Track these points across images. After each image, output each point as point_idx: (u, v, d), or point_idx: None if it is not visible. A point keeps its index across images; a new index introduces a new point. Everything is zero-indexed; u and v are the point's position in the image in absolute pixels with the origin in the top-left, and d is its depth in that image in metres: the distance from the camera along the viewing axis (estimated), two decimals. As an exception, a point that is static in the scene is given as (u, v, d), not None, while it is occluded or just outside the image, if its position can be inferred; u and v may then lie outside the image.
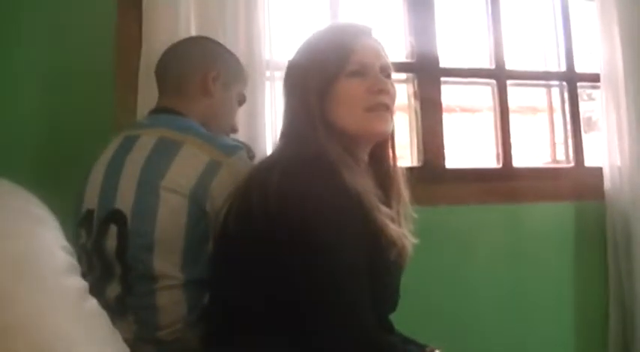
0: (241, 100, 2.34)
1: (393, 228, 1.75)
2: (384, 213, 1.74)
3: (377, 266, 1.69)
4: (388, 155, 2.02)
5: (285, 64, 2.02)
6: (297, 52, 1.94)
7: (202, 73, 2.16)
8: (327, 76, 1.81)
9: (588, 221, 3.19)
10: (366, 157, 1.93)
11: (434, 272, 2.80)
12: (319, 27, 2.05)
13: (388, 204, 1.84)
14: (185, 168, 1.91)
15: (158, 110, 2.15)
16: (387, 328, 1.90)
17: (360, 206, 1.68)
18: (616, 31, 3.17)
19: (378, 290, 1.68)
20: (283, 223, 1.58)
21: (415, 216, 1.94)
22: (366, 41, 1.89)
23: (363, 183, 1.73)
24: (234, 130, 2.33)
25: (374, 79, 1.84)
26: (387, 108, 1.86)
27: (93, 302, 1.29)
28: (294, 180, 1.62)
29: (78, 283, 1.26)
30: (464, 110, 5.23)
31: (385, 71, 1.90)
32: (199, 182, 1.89)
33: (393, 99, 1.89)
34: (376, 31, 1.94)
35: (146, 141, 1.99)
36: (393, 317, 1.90)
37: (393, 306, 1.85)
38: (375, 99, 1.83)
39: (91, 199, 2.02)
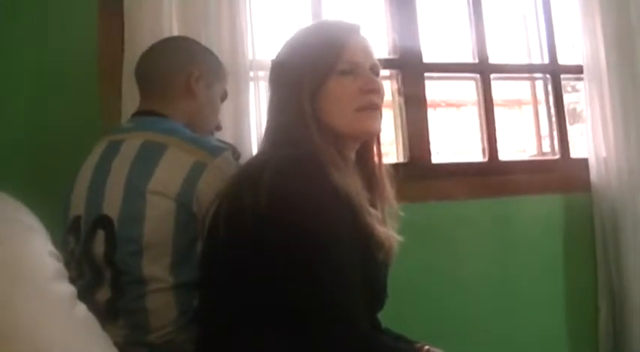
0: (223, 97, 2.34)
1: (380, 230, 1.76)
2: (371, 215, 1.75)
3: (366, 266, 1.70)
4: (373, 152, 2.02)
5: (269, 63, 2.02)
6: (285, 51, 1.94)
7: (184, 74, 2.16)
8: (319, 75, 1.81)
9: (575, 212, 3.20)
10: (353, 156, 1.93)
11: (423, 268, 2.80)
12: (307, 24, 2.04)
13: (373, 203, 1.85)
14: (171, 171, 1.90)
15: (141, 113, 2.15)
16: (375, 326, 1.91)
17: (349, 207, 1.68)
18: (598, 22, 3.18)
19: (367, 290, 1.69)
20: (275, 223, 1.57)
21: (401, 214, 1.94)
22: (355, 39, 1.89)
23: (353, 184, 1.73)
24: (219, 128, 2.33)
25: (365, 79, 1.84)
26: (377, 108, 1.86)
27: (82, 308, 1.28)
28: (286, 180, 1.61)
29: (67, 289, 1.26)
30: (449, 105, 5.25)
31: (374, 70, 1.90)
32: (185, 184, 1.88)
33: (382, 98, 1.89)
34: (364, 29, 1.93)
35: (131, 146, 1.98)
36: (383, 315, 1.90)
37: (381, 305, 1.86)
38: (367, 98, 1.83)
39: (78, 206, 2.02)
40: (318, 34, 1.92)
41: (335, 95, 1.81)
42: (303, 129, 1.77)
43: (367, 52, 1.90)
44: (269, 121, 1.91)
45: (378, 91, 1.86)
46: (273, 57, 1.96)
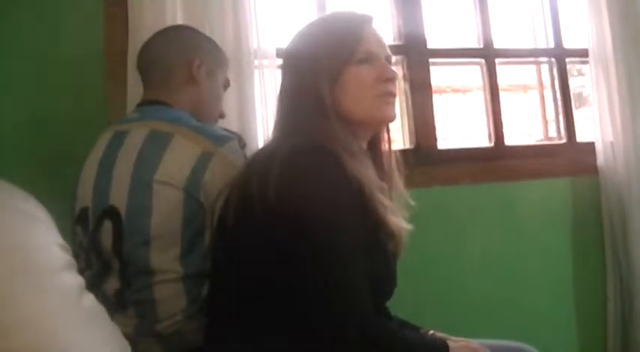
0: (226, 85, 2.34)
1: (392, 220, 1.76)
2: (384, 205, 1.75)
3: (375, 256, 1.70)
4: (383, 140, 2.03)
5: (274, 52, 2.03)
6: (301, 40, 1.94)
7: (186, 62, 2.16)
8: (337, 64, 1.82)
9: (583, 196, 3.19)
10: (365, 144, 1.95)
11: (431, 253, 2.81)
12: (321, 14, 2.05)
13: (385, 192, 1.85)
14: (177, 160, 1.91)
15: (146, 102, 2.15)
16: (384, 315, 1.91)
17: (361, 197, 1.68)
18: (604, 5, 3.16)
19: (376, 279, 1.69)
20: (284, 213, 1.57)
21: (412, 202, 1.94)
22: (370, 30, 1.91)
23: (366, 173, 1.74)
24: (223, 116, 2.34)
25: (383, 68, 1.86)
26: (394, 95, 1.89)
27: (90, 298, 1.28)
28: (296, 170, 1.63)
29: (75, 280, 1.26)
30: (455, 90, 5.24)
31: (388, 60, 1.93)
32: (192, 173, 1.89)
33: (396, 86, 1.92)
34: (376, 19, 1.95)
35: (136, 136, 1.99)
36: (391, 301, 1.90)
37: (389, 294, 1.86)
38: (384, 87, 1.86)
39: (85, 197, 2.02)
40: (334, 24, 1.94)
41: (353, 83, 1.83)
42: (321, 118, 1.78)
43: (382, 43, 1.92)
44: (281, 109, 1.91)
45: (394, 80, 1.89)
46: (286, 45, 1.97)
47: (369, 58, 1.85)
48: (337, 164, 1.66)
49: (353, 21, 1.91)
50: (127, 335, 1.39)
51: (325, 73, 1.81)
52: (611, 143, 3.14)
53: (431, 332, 1.99)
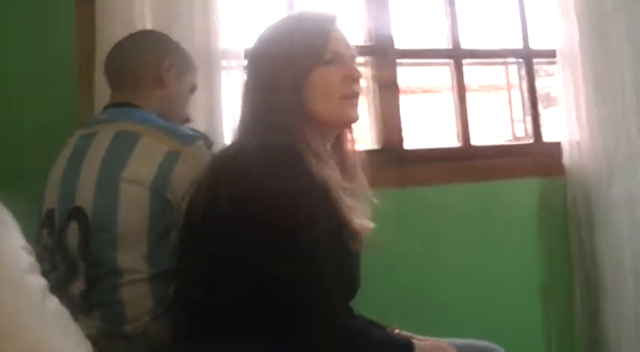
0: (193, 89, 2.35)
1: (357, 221, 1.77)
2: (348, 205, 1.76)
3: (340, 255, 1.71)
4: (347, 140, 2.04)
5: (242, 52, 2.03)
6: (268, 39, 1.94)
7: (155, 65, 2.16)
8: (305, 64, 1.83)
9: (549, 195, 3.21)
10: (329, 144, 1.95)
11: (398, 254, 2.80)
12: (287, 14, 2.05)
13: (349, 192, 1.85)
14: (145, 159, 1.91)
15: (113, 104, 2.14)
16: (350, 314, 1.92)
17: (325, 197, 1.70)
18: (571, 6, 3.18)
19: (341, 278, 1.71)
20: (251, 212, 1.58)
21: (375, 201, 1.95)
22: (337, 30, 1.92)
23: (331, 174, 1.75)
24: (188, 120, 2.33)
25: (349, 68, 1.88)
26: (359, 96, 1.92)
27: (54, 301, 1.28)
28: (262, 168, 1.63)
29: (39, 282, 1.26)
30: (425, 91, 5.26)
31: (354, 59, 1.95)
32: (159, 172, 1.89)
33: (360, 86, 1.94)
34: (342, 19, 1.95)
35: (104, 137, 1.99)
36: (361, 300, 1.91)
37: (353, 294, 1.87)
38: (350, 87, 1.87)
39: (51, 199, 2.02)
40: (302, 24, 1.94)
41: (320, 84, 1.83)
42: (287, 118, 1.79)
43: (347, 43, 1.94)
44: (246, 109, 1.91)
45: (359, 80, 1.91)
46: (252, 45, 1.97)
47: (335, 59, 1.86)
48: (302, 164, 1.67)
49: (320, 21, 1.92)
50: (90, 338, 1.39)
51: (292, 72, 1.82)
52: (578, 143, 3.16)
53: (396, 330, 2.00)
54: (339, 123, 1.92)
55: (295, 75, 1.81)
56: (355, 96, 1.90)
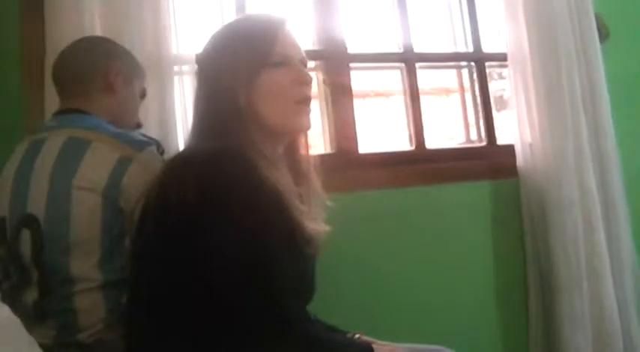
0: (142, 95, 2.34)
1: (309, 226, 1.78)
2: (300, 210, 1.77)
3: (294, 260, 1.71)
4: (300, 144, 2.04)
5: (194, 57, 2.02)
6: (215, 43, 1.94)
7: (103, 71, 2.15)
8: (253, 67, 1.82)
9: (503, 198, 3.24)
10: (281, 149, 1.95)
11: (353, 257, 2.82)
12: (234, 18, 2.04)
13: (301, 196, 1.86)
14: (96, 166, 1.90)
15: (63, 111, 2.12)
16: (306, 318, 1.91)
17: (277, 202, 1.70)
18: (520, 9, 3.21)
19: (297, 283, 1.70)
20: (202, 218, 1.57)
21: (329, 204, 1.95)
22: (285, 32, 1.91)
23: (282, 179, 1.76)
24: (139, 126, 2.33)
25: (299, 71, 1.87)
26: (309, 100, 1.91)
27: (5, 310, 1.27)
28: (213, 173, 1.62)
29: (-11, 291, 1.25)
30: (378, 95, 5.27)
31: (304, 62, 1.94)
32: (111, 179, 1.88)
33: (311, 90, 1.93)
34: (290, 23, 1.95)
35: (54, 143, 1.97)
36: (315, 305, 1.90)
37: (309, 297, 1.87)
38: (302, 91, 1.87)
39: (2, 207, 1.99)
40: (248, 27, 1.94)
41: (269, 87, 1.83)
42: (236, 122, 1.78)
43: (297, 46, 1.93)
44: (196, 114, 1.90)
45: (310, 83, 1.90)
46: (200, 50, 1.96)
47: (284, 62, 1.85)
48: (252, 169, 1.66)
49: (268, 23, 1.91)
50: (45, 347, 1.38)
51: (240, 76, 1.81)
52: (530, 145, 3.20)
53: (357, 335, 2.01)
54: (291, 129, 1.92)
55: (242, 78, 1.81)
56: (307, 100, 1.89)
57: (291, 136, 1.97)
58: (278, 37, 1.87)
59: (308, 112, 1.91)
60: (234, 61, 1.83)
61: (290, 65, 1.86)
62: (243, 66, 1.82)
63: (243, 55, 1.83)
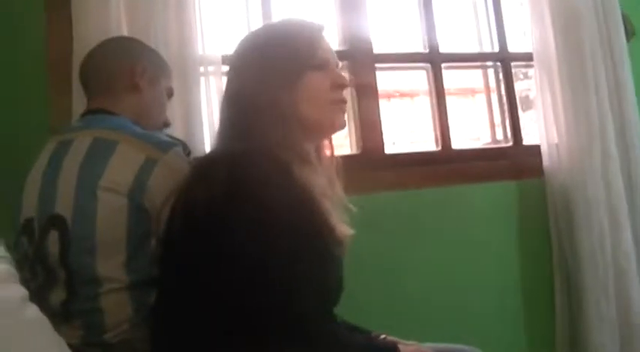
0: (169, 94, 2.34)
1: (340, 230, 1.80)
2: (330, 212, 1.78)
3: (325, 263, 1.73)
4: (325, 145, 2.05)
5: (219, 58, 2.03)
6: (256, 44, 1.95)
7: (128, 70, 2.15)
8: (296, 68, 1.84)
9: (529, 198, 3.23)
10: (313, 150, 1.96)
11: (380, 257, 2.82)
12: (274, 21, 2.06)
13: (330, 198, 1.86)
14: (122, 167, 1.90)
15: (90, 112, 2.13)
16: (332, 319, 1.91)
17: (310, 205, 1.70)
18: (546, 8, 3.21)
19: (325, 285, 1.71)
20: (231, 219, 1.58)
21: (352, 207, 1.95)
22: (324, 37, 1.96)
23: (317, 181, 1.78)
24: (167, 125, 2.33)
25: (338, 75, 1.92)
26: (345, 103, 1.95)
27: (34, 309, 1.27)
28: (242, 173, 1.63)
29: (17, 291, 1.25)
30: (403, 95, 5.26)
31: (339, 67, 1.97)
32: (137, 180, 1.88)
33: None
34: (326, 30, 2.00)
35: (81, 144, 1.97)
36: (342, 305, 1.91)
37: (337, 299, 1.87)
38: (339, 94, 1.91)
39: (30, 207, 2.00)
40: (292, 29, 1.96)
41: (310, 88, 1.85)
42: (277, 121, 1.79)
43: (333, 51, 1.97)
44: (227, 114, 1.91)
45: (347, 86, 1.94)
46: (235, 49, 1.97)
47: (324, 65, 1.89)
48: (286, 170, 1.68)
49: (309, 28, 1.95)
50: (72, 347, 1.39)
51: (283, 75, 1.83)
52: (556, 145, 3.19)
53: (382, 336, 2.01)
54: (329, 128, 1.95)
55: (285, 77, 1.83)
56: (344, 102, 1.93)
57: (326, 136, 2.01)
58: (320, 42, 1.92)
59: (343, 111, 1.95)
60: (279, 60, 1.85)
61: (329, 68, 1.90)
62: (287, 67, 1.84)
63: (288, 55, 1.86)
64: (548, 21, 3.20)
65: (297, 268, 1.60)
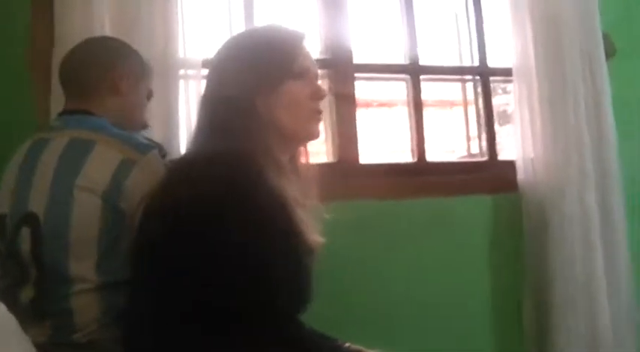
0: (149, 95, 2.33)
1: (310, 236, 1.80)
2: (303, 220, 1.78)
3: (293, 268, 1.72)
4: (301, 153, 2.06)
5: (201, 61, 2.03)
6: (238, 48, 1.97)
7: (110, 72, 2.14)
8: (276, 75, 1.85)
9: (503, 213, 3.23)
10: (288, 157, 1.97)
11: (351, 266, 2.80)
12: (257, 27, 2.06)
13: (302, 205, 1.87)
14: (98, 167, 1.90)
15: (68, 111, 2.12)
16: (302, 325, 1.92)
17: (282, 210, 1.71)
18: (528, 24, 3.21)
19: (293, 291, 1.71)
20: (207, 220, 1.59)
21: (326, 216, 1.95)
22: (305, 46, 1.96)
23: (289, 187, 1.78)
24: (146, 126, 2.32)
25: (317, 86, 1.96)
26: (321, 113, 1.97)
27: (1, 307, 1.27)
28: (220, 177, 1.63)
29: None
30: (382, 105, 5.27)
31: (318, 77, 2.00)
32: (113, 181, 1.88)
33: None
34: (309, 37, 1.99)
35: (58, 143, 1.97)
36: (311, 313, 1.91)
37: (305, 307, 1.87)
38: (316, 104, 1.93)
39: (3, 204, 2.00)
40: (274, 36, 1.97)
41: (288, 97, 1.87)
42: (253, 126, 1.80)
43: (314, 61, 1.99)
44: (204, 117, 1.91)
45: (324, 98, 1.98)
46: (216, 53, 1.98)
47: (304, 74, 1.90)
48: (261, 174, 1.69)
49: (292, 35, 1.95)
50: (39, 345, 1.38)
51: (263, 81, 1.84)
52: (532, 160, 3.19)
53: (347, 344, 2.00)
54: (304, 137, 1.97)
55: (264, 84, 1.83)
56: (320, 112, 1.95)
57: (301, 144, 2.01)
58: (301, 50, 1.92)
59: (319, 121, 1.97)
60: (258, 67, 1.86)
61: (309, 78, 1.92)
62: (268, 73, 1.85)
63: (268, 63, 1.86)
64: (529, 36, 3.21)
65: (266, 272, 1.62)
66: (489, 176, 3.30)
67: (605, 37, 3.35)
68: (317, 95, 1.92)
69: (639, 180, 3.47)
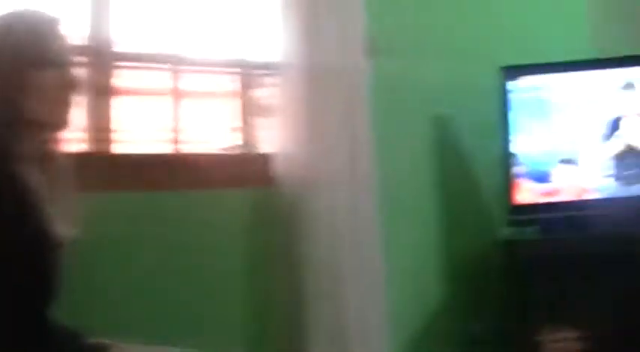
0: None
1: (55, 229, 1.78)
2: (47, 213, 1.75)
3: (33, 262, 1.71)
4: (50, 143, 2.00)
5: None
6: None
7: None
8: (23, 65, 1.79)
9: (259, 206, 3.30)
10: (35, 148, 1.91)
11: (101, 260, 2.75)
12: (6, 12, 1.97)
13: (48, 196, 1.83)
14: None
15: None
16: (44, 322, 1.87)
17: (23, 201, 1.67)
18: (293, 19, 3.28)
19: (35, 285, 1.68)
20: None
21: (79, 207, 1.93)
22: (59, 32, 1.90)
23: (34, 178, 1.76)
24: None
25: (68, 76, 1.89)
26: (72, 102, 1.92)
27: None
28: None
29: None
30: (144, 94, 5.20)
31: (72, 65, 1.95)
32: None
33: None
34: (63, 22, 1.94)
35: None
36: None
37: (51, 300, 1.83)
38: (68, 93, 1.88)
39: None
40: (22, 22, 1.89)
41: (37, 87, 1.80)
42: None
43: (68, 48, 1.95)
44: None
45: (77, 88, 1.92)
46: None
47: (56, 61, 1.84)
48: (6, 162, 1.64)
49: (43, 21, 1.89)
50: None
51: (11, 67, 1.78)
52: (288, 155, 3.26)
53: (97, 340, 1.99)
54: (53, 127, 1.92)
55: (12, 72, 1.78)
56: (72, 102, 1.91)
57: (50, 134, 1.95)
58: (53, 36, 1.87)
59: (69, 111, 1.92)
60: (5, 54, 1.80)
61: (60, 67, 1.86)
62: (14, 61, 1.79)
63: (12, 54, 1.80)
64: (291, 30, 3.28)
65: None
66: (247, 169, 3.35)
67: (368, 36, 3.44)
68: (68, 85, 1.88)
69: (394, 179, 3.61)
